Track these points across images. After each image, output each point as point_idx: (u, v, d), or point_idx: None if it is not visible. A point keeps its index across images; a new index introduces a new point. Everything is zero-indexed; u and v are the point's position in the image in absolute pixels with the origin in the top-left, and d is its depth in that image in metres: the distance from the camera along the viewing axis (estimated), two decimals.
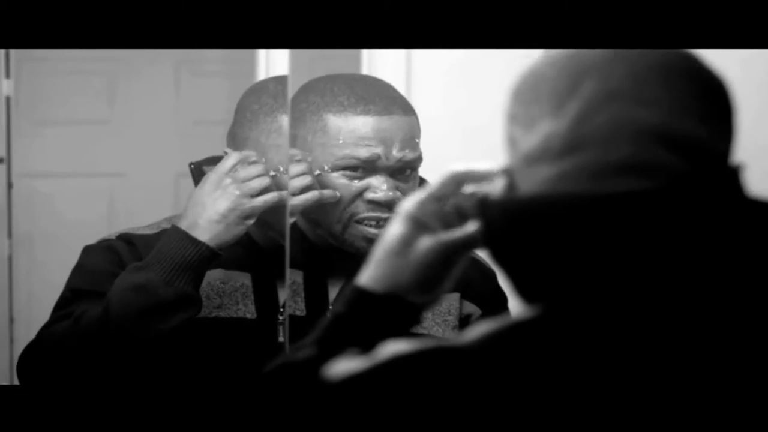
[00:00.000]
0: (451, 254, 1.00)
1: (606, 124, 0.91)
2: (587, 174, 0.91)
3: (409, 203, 1.00)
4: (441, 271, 1.00)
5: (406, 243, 1.00)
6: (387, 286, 1.00)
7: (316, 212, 1.52)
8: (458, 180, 1.00)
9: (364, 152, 1.49)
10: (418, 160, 1.52)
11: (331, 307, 1.52)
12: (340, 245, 1.50)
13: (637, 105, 0.91)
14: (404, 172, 1.52)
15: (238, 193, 1.48)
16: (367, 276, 1.01)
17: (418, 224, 1.00)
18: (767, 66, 2.26)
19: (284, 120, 1.52)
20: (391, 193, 1.50)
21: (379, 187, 1.50)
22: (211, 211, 1.48)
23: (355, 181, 1.49)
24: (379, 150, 1.49)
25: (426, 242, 1.00)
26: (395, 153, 1.50)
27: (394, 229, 1.00)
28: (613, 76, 0.92)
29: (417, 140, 1.53)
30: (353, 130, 1.50)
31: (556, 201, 0.89)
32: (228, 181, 1.49)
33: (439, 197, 1.00)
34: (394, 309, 0.99)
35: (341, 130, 1.50)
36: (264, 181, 1.50)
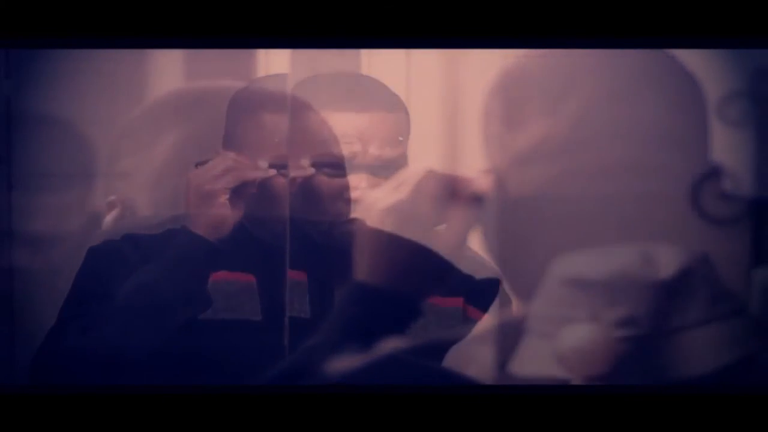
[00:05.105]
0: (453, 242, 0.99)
1: (605, 123, 0.90)
2: (586, 174, 0.90)
3: (393, 205, 0.99)
4: (442, 260, 1.00)
5: (397, 238, 0.99)
6: (392, 281, 0.99)
7: (305, 209, 1.52)
8: (438, 184, 0.99)
9: (340, 150, 1.48)
10: (401, 157, 1.50)
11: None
12: (330, 242, 1.50)
13: (637, 104, 0.91)
14: (387, 170, 1.50)
15: (195, 179, 1.50)
16: (368, 273, 1.01)
17: (403, 218, 0.99)
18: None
19: (254, 119, 1.52)
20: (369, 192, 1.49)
21: (357, 185, 1.49)
22: (187, 205, 1.50)
23: (336, 179, 1.48)
24: (356, 147, 1.48)
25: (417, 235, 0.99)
26: (373, 150, 1.48)
27: (382, 226, 0.99)
28: (611, 77, 0.92)
29: (401, 138, 1.51)
30: (331, 127, 1.49)
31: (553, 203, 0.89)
32: (190, 174, 1.51)
33: (419, 196, 0.99)
34: (400, 304, 0.99)
35: (320, 127, 1.49)
36: (218, 162, 1.51)
